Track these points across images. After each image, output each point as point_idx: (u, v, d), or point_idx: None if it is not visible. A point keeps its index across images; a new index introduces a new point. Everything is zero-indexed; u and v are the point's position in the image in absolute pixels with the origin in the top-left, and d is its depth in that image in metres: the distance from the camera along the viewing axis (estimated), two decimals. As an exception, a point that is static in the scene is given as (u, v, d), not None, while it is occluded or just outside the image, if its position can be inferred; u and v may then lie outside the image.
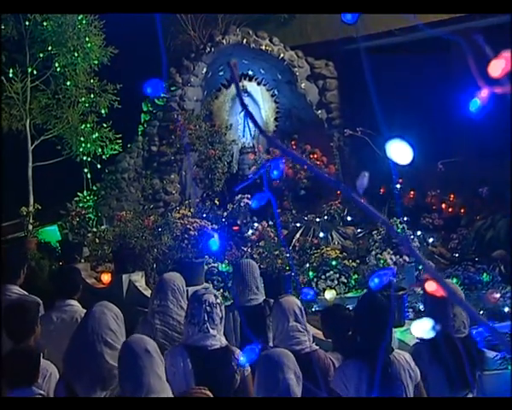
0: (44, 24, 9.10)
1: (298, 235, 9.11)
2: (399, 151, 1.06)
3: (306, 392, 3.04)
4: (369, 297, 3.43)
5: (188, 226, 6.93)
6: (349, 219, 9.77)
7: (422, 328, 1.11)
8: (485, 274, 7.34)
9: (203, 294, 3.50)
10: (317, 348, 3.72)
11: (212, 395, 2.25)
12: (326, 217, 9.56)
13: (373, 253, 6.64)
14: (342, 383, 3.14)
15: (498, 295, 6.73)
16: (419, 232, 8.68)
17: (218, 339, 3.43)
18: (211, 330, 3.41)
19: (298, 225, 9.42)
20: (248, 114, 1.21)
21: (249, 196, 9.69)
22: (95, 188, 9.83)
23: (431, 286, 1.06)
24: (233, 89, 11.01)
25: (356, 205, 1.12)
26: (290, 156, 1.21)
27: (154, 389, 2.65)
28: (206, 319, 3.42)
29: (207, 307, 3.44)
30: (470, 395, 3.44)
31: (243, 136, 11.11)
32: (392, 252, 6.38)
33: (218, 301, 3.52)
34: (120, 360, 2.82)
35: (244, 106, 1.28)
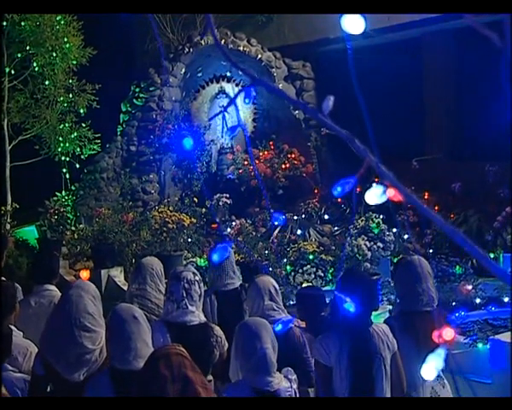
0: (22, 24, 9.10)
1: (275, 233, 9.21)
2: (352, 22, 1.13)
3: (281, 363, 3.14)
4: (351, 273, 3.60)
5: (166, 219, 7.00)
6: (326, 217, 9.91)
7: (375, 193, 1.21)
8: (457, 267, 7.53)
9: (181, 271, 3.59)
10: (292, 325, 3.83)
11: (186, 354, 2.34)
12: (304, 215, 9.68)
13: (348, 239, 6.77)
14: (323, 350, 3.23)
15: (470, 287, 6.93)
16: (394, 229, 8.85)
17: (196, 315, 3.52)
18: (189, 307, 3.50)
19: (276, 223, 9.52)
20: (228, 58, 1.31)
21: (227, 195, 9.80)
22: (73, 188, 9.83)
23: (391, 192, 1.18)
24: (211, 90, 11.12)
25: (321, 123, 1.22)
26: (276, 91, 1.29)
27: (140, 354, 2.75)
28: (184, 295, 3.50)
29: (186, 285, 3.52)
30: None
31: (222, 136, 11.20)
32: (366, 238, 6.53)
33: (197, 278, 3.60)
34: (109, 325, 2.92)
35: (224, 53, 1.38)
